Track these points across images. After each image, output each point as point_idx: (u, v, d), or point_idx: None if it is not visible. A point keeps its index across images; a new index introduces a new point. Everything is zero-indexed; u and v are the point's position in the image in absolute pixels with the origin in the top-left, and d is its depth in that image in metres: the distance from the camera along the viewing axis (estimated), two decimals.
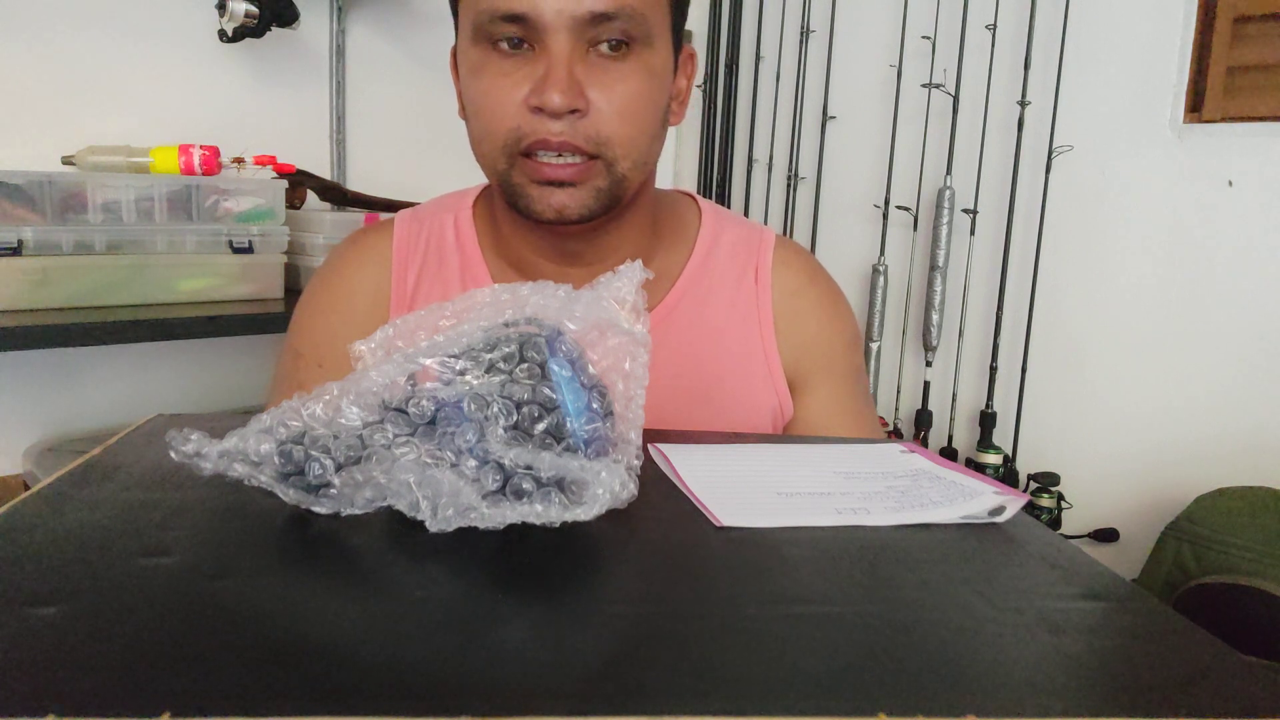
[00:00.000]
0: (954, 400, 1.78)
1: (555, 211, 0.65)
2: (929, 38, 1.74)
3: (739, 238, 0.79)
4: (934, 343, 1.77)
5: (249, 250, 1.32)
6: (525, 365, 0.41)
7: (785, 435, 0.76)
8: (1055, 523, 1.63)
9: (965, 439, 1.81)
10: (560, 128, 0.62)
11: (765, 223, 1.73)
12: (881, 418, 1.81)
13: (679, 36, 0.69)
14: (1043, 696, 0.28)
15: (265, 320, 1.28)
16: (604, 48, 0.62)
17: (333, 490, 0.40)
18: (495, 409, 0.40)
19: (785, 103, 1.93)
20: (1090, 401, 1.70)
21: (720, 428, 0.71)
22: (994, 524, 0.44)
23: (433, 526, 0.38)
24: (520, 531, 0.39)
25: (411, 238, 0.77)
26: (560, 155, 0.63)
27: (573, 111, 0.62)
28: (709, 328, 0.75)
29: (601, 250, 0.72)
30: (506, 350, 0.42)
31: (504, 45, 0.62)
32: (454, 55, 0.70)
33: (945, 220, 1.73)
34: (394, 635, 0.30)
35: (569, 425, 0.41)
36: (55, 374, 1.38)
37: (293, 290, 1.43)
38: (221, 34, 1.41)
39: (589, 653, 0.30)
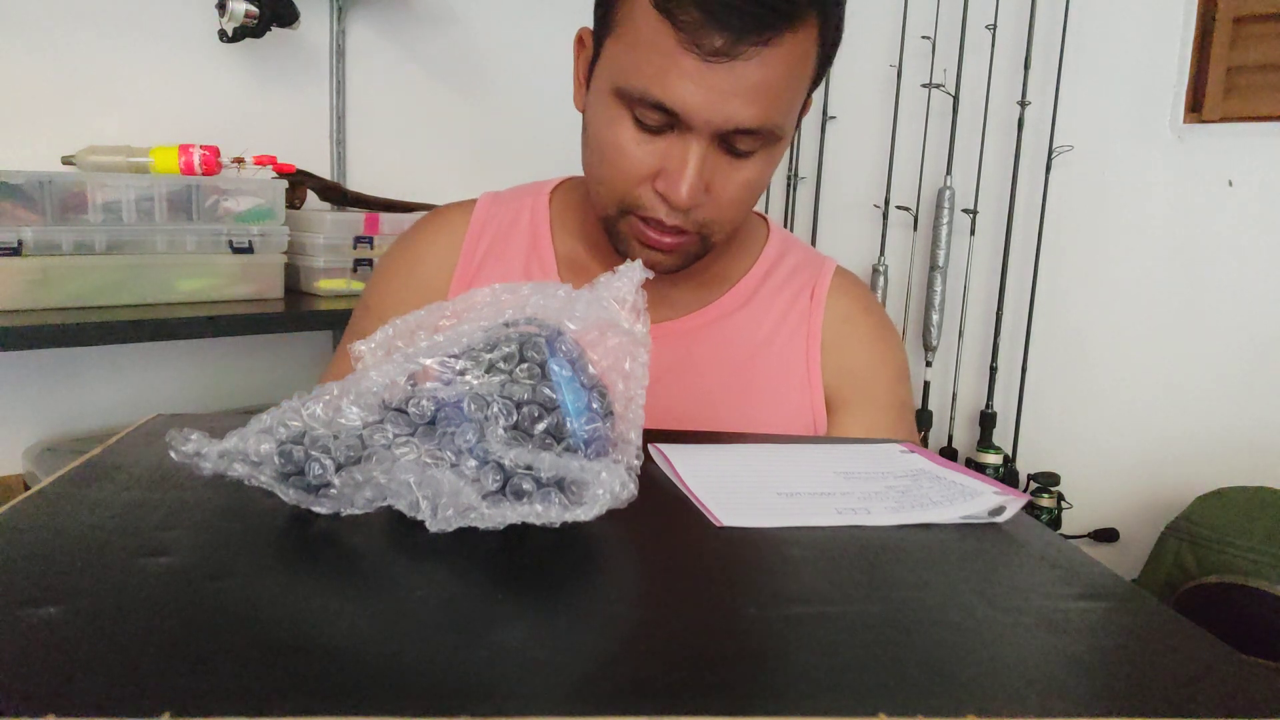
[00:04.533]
0: (954, 400, 1.78)
1: (649, 267, 0.67)
2: (929, 38, 1.74)
3: (802, 260, 0.81)
4: (934, 343, 1.77)
5: (249, 250, 1.32)
6: (525, 365, 0.41)
7: (786, 435, 0.76)
8: (1055, 523, 1.63)
9: (965, 439, 1.81)
10: (677, 217, 0.65)
11: None
12: None
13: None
14: (1043, 696, 0.28)
15: (265, 320, 1.28)
16: (737, 150, 0.63)
17: (333, 490, 0.40)
18: (495, 409, 0.40)
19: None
20: (1090, 401, 1.70)
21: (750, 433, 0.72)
22: (994, 524, 0.44)
23: (433, 526, 0.38)
24: (520, 531, 0.39)
25: (488, 216, 0.80)
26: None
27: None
28: (757, 337, 0.76)
29: None
30: (506, 350, 0.42)
31: (644, 120, 0.63)
32: (580, 39, 0.70)
33: (945, 220, 1.73)
34: (394, 635, 0.30)
35: (569, 425, 0.41)
36: (55, 374, 1.38)
37: (292, 290, 1.43)
38: (221, 34, 1.41)
39: (589, 653, 0.30)
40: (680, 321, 0.76)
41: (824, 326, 0.77)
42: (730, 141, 0.63)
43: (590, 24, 0.68)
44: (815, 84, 0.68)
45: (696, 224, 0.66)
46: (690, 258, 0.69)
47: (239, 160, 1.35)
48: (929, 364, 1.80)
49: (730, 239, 0.72)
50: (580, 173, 0.75)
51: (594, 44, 0.68)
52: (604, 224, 0.70)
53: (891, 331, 0.82)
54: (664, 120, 0.62)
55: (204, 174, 1.29)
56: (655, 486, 0.48)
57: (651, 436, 0.54)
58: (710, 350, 0.75)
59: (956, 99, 1.71)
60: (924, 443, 1.80)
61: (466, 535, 0.38)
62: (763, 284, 0.78)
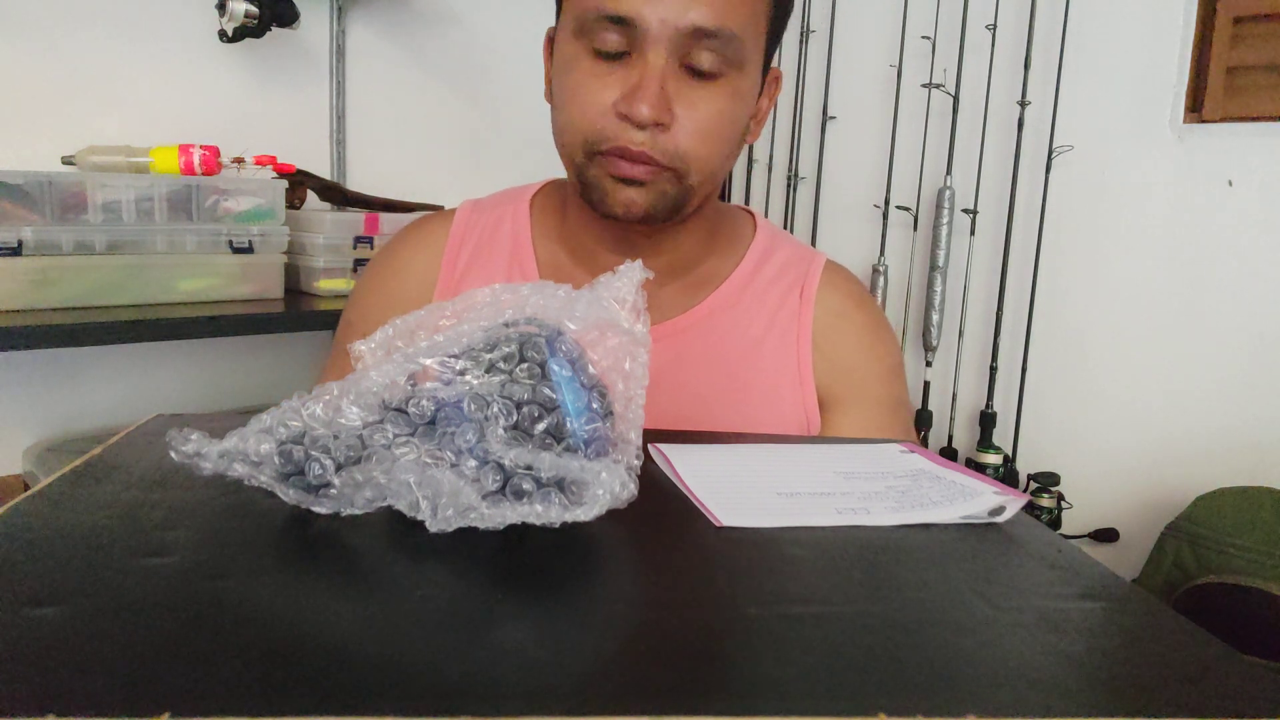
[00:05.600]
0: (954, 400, 1.78)
1: (623, 206, 0.67)
2: (929, 38, 1.74)
3: (791, 256, 0.80)
4: (934, 343, 1.77)
5: (249, 250, 1.32)
6: (525, 365, 0.41)
7: (786, 435, 0.76)
8: (1055, 523, 1.63)
9: (965, 439, 1.81)
10: (642, 138, 0.64)
11: None
12: None
13: (769, 59, 0.71)
14: (1043, 696, 0.28)
15: (265, 320, 1.28)
16: (697, 64, 0.64)
17: (333, 490, 0.40)
18: (495, 409, 0.40)
19: (785, 103, 1.93)
20: (1090, 401, 1.70)
21: (744, 432, 0.72)
22: (994, 524, 0.44)
23: (433, 526, 0.38)
24: (520, 531, 0.39)
25: (469, 225, 0.80)
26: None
27: (657, 124, 0.64)
28: (747, 336, 0.76)
29: (660, 247, 0.74)
30: (506, 350, 0.42)
31: (601, 46, 0.64)
32: (549, 40, 0.72)
33: (945, 220, 1.73)
34: (394, 635, 0.30)
35: (569, 425, 0.41)
36: (55, 374, 1.38)
37: (293, 290, 1.43)
38: (221, 34, 1.41)
39: (589, 653, 0.30)
40: (669, 323, 0.75)
41: (815, 323, 0.77)
42: (690, 56, 0.63)
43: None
44: (777, 18, 0.68)
45: (666, 153, 0.65)
46: (669, 200, 0.67)
47: (239, 160, 1.35)
48: (929, 364, 1.80)
49: (709, 188, 0.70)
50: (561, 175, 0.74)
51: (556, 17, 0.69)
52: (578, 184, 0.69)
53: (884, 326, 0.81)
54: (621, 39, 0.63)
55: (204, 174, 1.29)
56: (655, 486, 0.48)
57: (651, 437, 0.54)
58: (701, 351, 0.75)
59: (956, 99, 1.71)
60: (924, 443, 1.80)
61: (466, 535, 0.38)
62: (751, 281, 0.78)
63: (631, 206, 0.67)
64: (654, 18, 0.61)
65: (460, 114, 1.82)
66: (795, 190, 1.92)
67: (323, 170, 1.61)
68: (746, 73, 0.66)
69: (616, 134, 0.64)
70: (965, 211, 1.72)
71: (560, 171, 0.80)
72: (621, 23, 0.62)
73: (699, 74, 0.64)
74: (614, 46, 0.63)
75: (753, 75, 0.68)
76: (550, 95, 0.71)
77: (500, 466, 0.39)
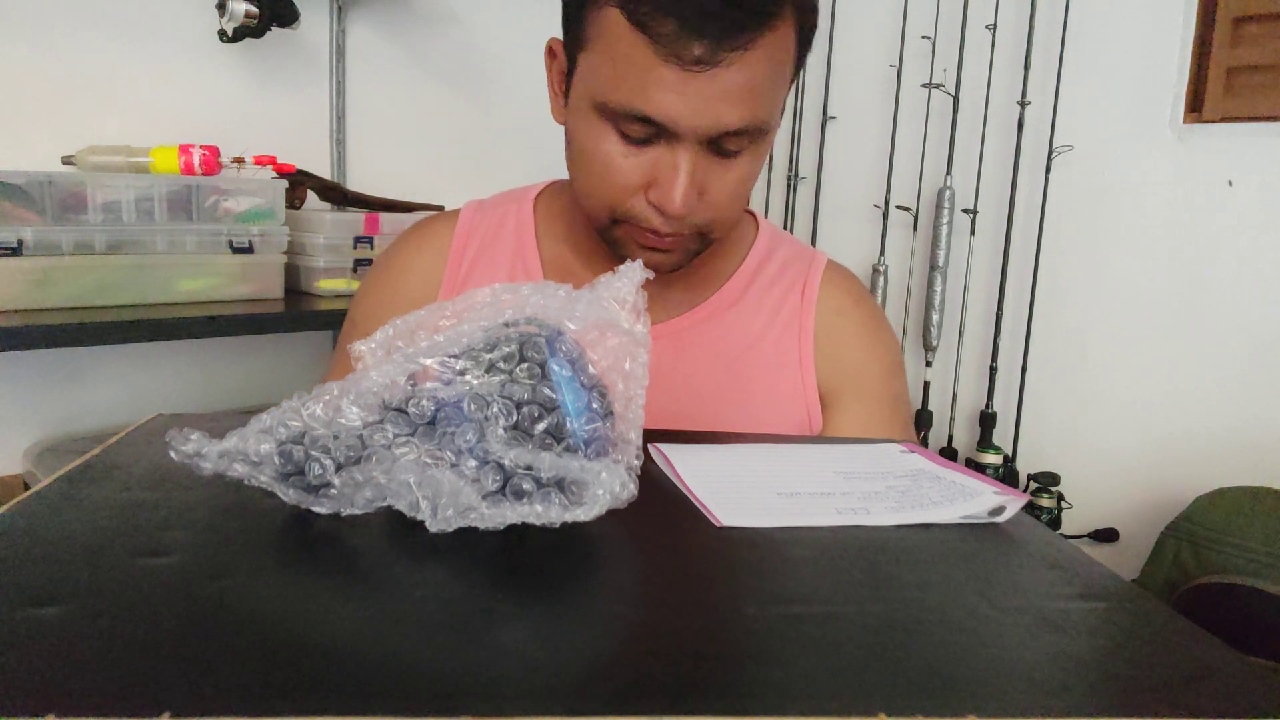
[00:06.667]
0: (954, 400, 1.78)
1: (651, 268, 0.67)
2: (929, 38, 1.74)
3: (792, 255, 0.81)
4: (934, 343, 1.77)
5: (249, 250, 1.32)
6: (525, 365, 0.41)
7: (786, 435, 0.76)
8: (1055, 523, 1.63)
9: (965, 439, 1.81)
10: (673, 224, 0.64)
11: None
12: None
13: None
14: (1043, 696, 0.28)
15: (265, 320, 1.28)
16: (727, 149, 0.63)
17: (333, 490, 0.40)
18: (495, 409, 0.40)
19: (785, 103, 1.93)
20: (1090, 401, 1.70)
21: (746, 430, 0.72)
22: (994, 524, 0.44)
23: (433, 526, 0.38)
24: (520, 531, 0.39)
25: (473, 225, 0.80)
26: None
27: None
28: (749, 334, 0.76)
29: None
30: (506, 350, 0.42)
31: (630, 134, 0.62)
32: (551, 50, 0.69)
33: (945, 220, 1.73)
34: (394, 635, 0.30)
35: (569, 425, 0.41)
36: (55, 374, 1.38)
37: (293, 290, 1.43)
38: (221, 34, 1.41)
39: (589, 653, 0.30)
40: (672, 322, 0.75)
41: (816, 321, 0.77)
42: (719, 143, 0.62)
43: (559, 34, 0.68)
44: (797, 72, 0.67)
45: (693, 226, 0.66)
46: (690, 254, 0.69)
47: (239, 160, 1.35)
48: (929, 364, 1.80)
49: (729, 233, 0.71)
50: (565, 176, 0.74)
51: (566, 57, 0.67)
52: (599, 233, 0.69)
53: (884, 325, 0.81)
54: (650, 131, 0.61)
55: (204, 174, 1.29)
56: (655, 486, 0.48)
57: (651, 436, 0.54)
58: (703, 349, 0.75)
59: (956, 99, 1.71)
60: (924, 443, 1.80)
61: (466, 535, 0.38)
62: (753, 281, 0.78)
63: (659, 267, 0.67)
64: (686, 125, 0.60)
65: (460, 114, 1.82)
66: (795, 190, 1.92)
67: (323, 170, 1.61)
68: (771, 130, 0.65)
69: (646, 217, 0.64)
70: (965, 211, 1.72)
71: (561, 172, 0.80)
72: (651, 122, 0.60)
73: (727, 154, 0.63)
74: (642, 135, 0.61)
75: (776, 127, 0.67)
76: (560, 119, 0.70)
77: (500, 466, 0.39)
